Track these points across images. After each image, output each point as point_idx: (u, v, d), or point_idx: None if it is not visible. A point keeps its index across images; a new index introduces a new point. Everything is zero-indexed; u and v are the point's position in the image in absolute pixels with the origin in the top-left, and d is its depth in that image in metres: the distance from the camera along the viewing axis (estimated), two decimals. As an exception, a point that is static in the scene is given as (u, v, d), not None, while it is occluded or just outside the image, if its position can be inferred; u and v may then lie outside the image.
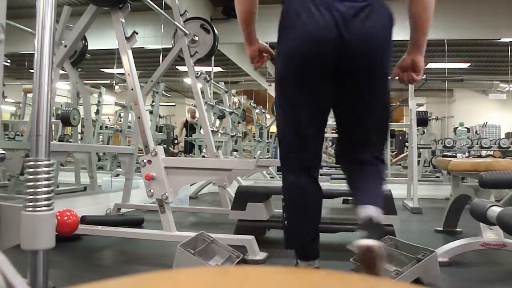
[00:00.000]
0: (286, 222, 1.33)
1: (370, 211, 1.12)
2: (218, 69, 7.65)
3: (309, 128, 1.23)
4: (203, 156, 3.67)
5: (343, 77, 1.17)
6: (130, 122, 4.85)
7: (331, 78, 1.17)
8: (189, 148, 6.88)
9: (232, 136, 4.98)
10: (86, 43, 3.18)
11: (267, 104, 8.16)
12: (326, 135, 6.42)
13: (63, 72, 2.91)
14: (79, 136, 4.22)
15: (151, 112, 5.16)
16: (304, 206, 1.31)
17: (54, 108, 4.80)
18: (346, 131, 1.32)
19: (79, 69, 3.26)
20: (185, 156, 6.38)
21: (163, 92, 5.47)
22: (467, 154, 4.23)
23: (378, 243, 1.04)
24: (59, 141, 5.37)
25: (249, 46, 1.41)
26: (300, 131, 1.23)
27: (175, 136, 7.51)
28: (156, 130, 5.55)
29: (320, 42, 1.13)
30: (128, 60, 1.99)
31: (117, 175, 4.11)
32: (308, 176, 1.29)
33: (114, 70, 5.63)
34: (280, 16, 1.22)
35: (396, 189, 3.14)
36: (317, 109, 1.23)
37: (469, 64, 7.82)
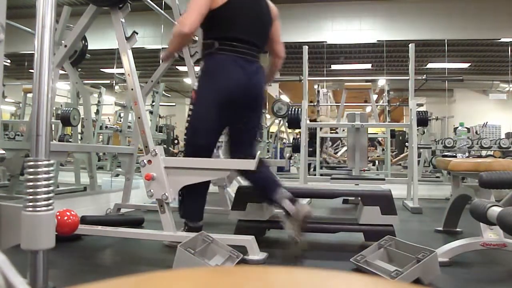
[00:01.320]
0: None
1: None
2: (218, 69, 7.64)
3: (219, 126, 2.06)
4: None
5: (247, 104, 2.01)
6: (130, 122, 4.86)
7: (241, 104, 1.98)
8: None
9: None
10: (86, 43, 3.18)
11: (267, 104, 8.15)
12: (326, 134, 6.41)
13: (63, 72, 2.91)
14: (79, 136, 4.22)
15: (151, 112, 5.17)
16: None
17: (54, 108, 4.80)
18: (239, 135, 2.09)
19: (79, 69, 3.26)
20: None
21: (163, 92, 5.47)
22: (467, 154, 4.23)
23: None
24: (59, 141, 5.37)
25: (171, 52, 2.04)
26: (215, 125, 2.03)
27: (175, 136, 7.51)
28: (156, 130, 5.55)
29: (240, 85, 1.95)
30: (128, 60, 1.98)
31: (117, 175, 4.12)
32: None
33: (114, 70, 5.63)
34: (205, 64, 1.99)
35: (396, 189, 3.14)
36: (226, 118, 2.02)
37: (469, 64, 7.82)
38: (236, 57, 1.94)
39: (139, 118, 2.00)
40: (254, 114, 2.09)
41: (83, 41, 3.13)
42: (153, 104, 5.24)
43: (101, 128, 5.50)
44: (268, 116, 8.04)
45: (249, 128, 2.08)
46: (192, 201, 2.03)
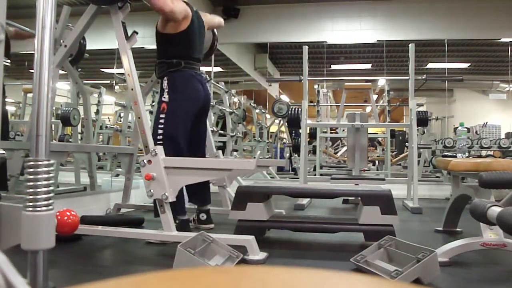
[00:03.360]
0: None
1: None
2: (218, 69, 7.64)
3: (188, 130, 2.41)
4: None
5: (204, 110, 2.51)
6: (130, 122, 4.85)
7: (200, 110, 2.46)
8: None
9: (232, 136, 4.98)
10: (84, 42, 3.17)
11: (267, 104, 8.15)
12: (326, 134, 6.41)
13: (63, 72, 2.90)
14: (79, 136, 4.22)
15: (151, 112, 5.16)
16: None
17: (54, 108, 4.80)
18: (197, 136, 2.51)
19: (79, 69, 3.26)
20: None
21: (163, 92, 5.43)
22: (467, 154, 4.23)
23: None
24: (59, 141, 5.37)
25: None
26: (187, 130, 2.38)
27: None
28: (156, 130, 5.54)
29: (201, 96, 2.43)
30: (128, 60, 1.98)
31: (117, 175, 4.11)
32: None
33: (114, 70, 5.63)
34: (173, 80, 2.32)
35: (396, 189, 3.14)
36: (191, 122, 2.41)
37: (469, 64, 7.82)
38: (195, 73, 2.38)
39: (139, 118, 2.00)
40: (206, 117, 2.59)
41: (81, 40, 3.12)
42: (153, 104, 5.24)
43: (101, 128, 5.49)
44: (268, 116, 8.04)
45: (204, 129, 2.58)
46: (179, 198, 2.14)
